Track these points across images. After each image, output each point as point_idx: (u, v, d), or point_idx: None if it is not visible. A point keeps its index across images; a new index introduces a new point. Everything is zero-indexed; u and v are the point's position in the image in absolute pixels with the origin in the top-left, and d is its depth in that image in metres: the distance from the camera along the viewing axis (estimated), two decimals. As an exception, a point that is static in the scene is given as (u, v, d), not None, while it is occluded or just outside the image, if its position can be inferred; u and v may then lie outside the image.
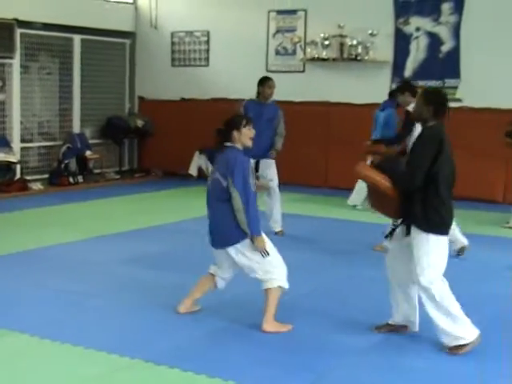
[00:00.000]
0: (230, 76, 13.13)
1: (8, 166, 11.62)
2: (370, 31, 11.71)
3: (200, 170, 12.90)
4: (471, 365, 4.60)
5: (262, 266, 5.07)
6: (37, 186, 11.86)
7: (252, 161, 7.22)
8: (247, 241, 5.06)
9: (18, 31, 11.72)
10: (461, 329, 4.71)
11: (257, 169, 8.15)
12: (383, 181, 4.73)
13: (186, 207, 10.44)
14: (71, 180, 12.34)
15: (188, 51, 13.70)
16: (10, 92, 11.92)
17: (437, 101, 4.77)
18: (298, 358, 4.66)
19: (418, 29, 11.63)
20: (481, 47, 11.07)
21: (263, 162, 8.45)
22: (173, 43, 13.79)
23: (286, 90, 12.54)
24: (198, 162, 12.88)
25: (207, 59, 13.51)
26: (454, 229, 7.19)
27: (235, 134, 5.21)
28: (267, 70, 12.86)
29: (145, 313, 5.53)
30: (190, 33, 13.62)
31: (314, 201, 11.13)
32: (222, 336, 5.05)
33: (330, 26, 12.01)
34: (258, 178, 7.53)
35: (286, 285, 5.15)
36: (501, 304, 5.93)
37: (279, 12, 12.71)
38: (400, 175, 4.72)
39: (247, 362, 4.55)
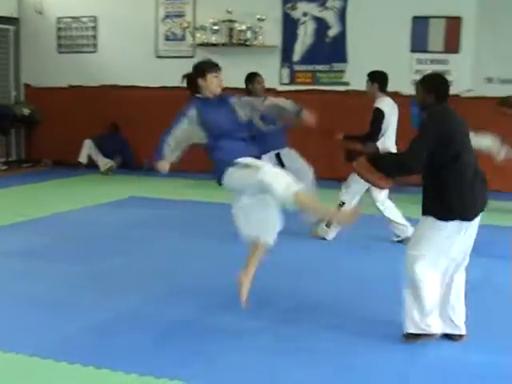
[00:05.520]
0: (120, 62, 12.95)
1: None
2: (258, 16, 11.76)
3: (90, 157, 12.70)
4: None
5: None
6: None
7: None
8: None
9: None
10: None
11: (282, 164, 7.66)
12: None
13: (76, 196, 10.25)
14: (-45, 172, 11.91)
15: (75, 37, 13.40)
16: None
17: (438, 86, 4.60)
18: (187, 343, 4.64)
19: (305, 14, 11.77)
20: (366, 31, 11.34)
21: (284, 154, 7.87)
22: (59, 29, 13.45)
23: (177, 75, 12.44)
24: (88, 149, 12.66)
25: (95, 45, 13.26)
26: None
27: (200, 81, 5.12)
28: (157, 56, 12.79)
29: (31, 306, 5.38)
30: (76, 18, 13.32)
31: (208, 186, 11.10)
32: (111, 326, 4.97)
33: (218, 11, 11.99)
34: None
35: None
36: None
37: (167, -3, 12.63)
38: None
39: (135, 351, 4.50)
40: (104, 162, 12.61)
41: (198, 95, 5.20)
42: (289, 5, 11.84)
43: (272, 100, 5.42)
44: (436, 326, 4.68)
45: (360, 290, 5.91)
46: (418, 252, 4.55)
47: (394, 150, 7.28)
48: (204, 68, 5.15)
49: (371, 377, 4.22)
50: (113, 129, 12.88)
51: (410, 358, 4.47)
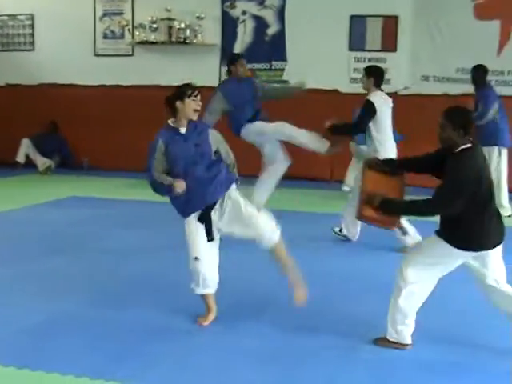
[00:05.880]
0: (58, 60, 12.79)
1: None
2: (197, 14, 11.75)
3: (28, 157, 12.52)
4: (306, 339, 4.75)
5: None
6: None
7: None
8: None
9: None
10: None
11: None
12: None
13: (14, 197, 10.10)
14: None
15: (12, 35, 13.19)
16: None
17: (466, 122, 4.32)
18: (127, 344, 4.61)
19: (244, 12, 11.81)
20: (305, 30, 11.42)
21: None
22: (-5, 27, 13.25)
23: (116, 74, 12.42)
24: (26, 149, 12.48)
25: (32, 43, 13.07)
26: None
27: (178, 104, 5.03)
28: (95, 54, 12.68)
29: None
30: (13, 16, 13.11)
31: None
32: (46, 328, 4.90)
33: (157, 9, 11.96)
34: None
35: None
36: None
37: (106, -6, 12.52)
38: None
39: (72, 352, 4.45)
40: (42, 162, 12.44)
41: (170, 122, 5.13)
42: (228, 3, 11.86)
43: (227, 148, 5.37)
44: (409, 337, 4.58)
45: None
46: (412, 257, 4.50)
47: (392, 152, 7.16)
48: (184, 91, 5.11)
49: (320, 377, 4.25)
50: (51, 127, 12.71)
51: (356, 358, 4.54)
